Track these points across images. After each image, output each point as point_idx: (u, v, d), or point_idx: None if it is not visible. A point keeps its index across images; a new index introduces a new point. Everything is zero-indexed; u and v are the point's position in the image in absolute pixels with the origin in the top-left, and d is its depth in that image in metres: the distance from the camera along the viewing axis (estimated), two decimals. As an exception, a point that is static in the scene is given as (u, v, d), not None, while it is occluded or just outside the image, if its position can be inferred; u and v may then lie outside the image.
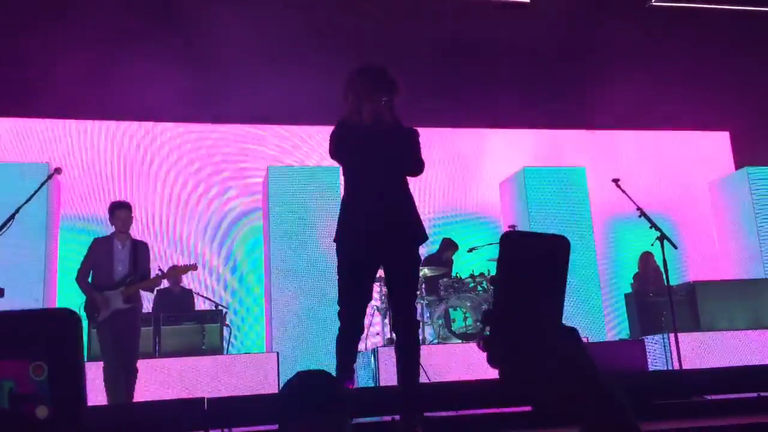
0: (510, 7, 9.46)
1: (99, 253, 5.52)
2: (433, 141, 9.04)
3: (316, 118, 8.45)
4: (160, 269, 5.80)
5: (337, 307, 3.70)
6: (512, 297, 0.84)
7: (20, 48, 8.12)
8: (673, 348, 6.02)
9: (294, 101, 8.37)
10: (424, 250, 8.14)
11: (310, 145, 9.04)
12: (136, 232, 8.13)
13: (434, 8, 9.14)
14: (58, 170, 5.62)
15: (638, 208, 5.14)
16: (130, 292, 5.43)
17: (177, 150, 8.82)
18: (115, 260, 5.49)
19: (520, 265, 0.84)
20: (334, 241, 3.71)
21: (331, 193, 7.80)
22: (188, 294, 7.68)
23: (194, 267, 5.94)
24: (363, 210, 3.65)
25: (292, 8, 8.69)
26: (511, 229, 8.27)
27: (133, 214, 5.73)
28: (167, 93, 8.07)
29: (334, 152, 3.76)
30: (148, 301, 7.68)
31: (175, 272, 6.03)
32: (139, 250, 5.60)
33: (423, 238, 3.76)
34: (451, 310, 7.69)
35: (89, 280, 5.51)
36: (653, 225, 5.07)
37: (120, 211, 5.60)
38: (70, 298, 6.75)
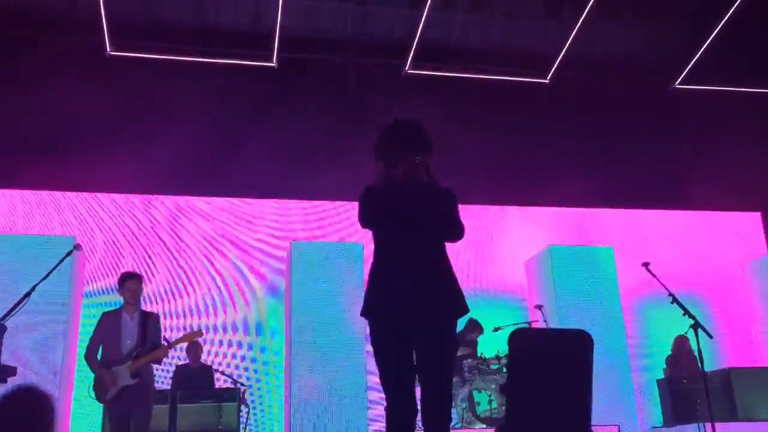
0: (527, 86, 9.55)
1: (107, 327, 5.37)
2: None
3: (340, 195, 8.52)
4: (165, 339, 5.56)
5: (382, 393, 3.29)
6: (527, 407, 0.72)
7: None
8: (711, 439, 5.72)
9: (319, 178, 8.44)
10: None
11: (334, 221, 9.03)
12: (157, 306, 8.15)
13: (456, 85, 9.26)
14: (77, 246, 5.59)
15: (670, 294, 4.97)
16: (138, 366, 5.24)
17: (202, 223, 8.85)
18: (123, 333, 5.33)
19: (535, 367, 0.73)
20: (362, 315, 3.35)
21: (353, 268, 7.72)
22: (207, 370, 7.53)
23: (199, 333, 5.75)
24: (394, 276, 3.28)
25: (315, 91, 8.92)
26: (538, 308, 8.08)
27: (143, 285, 5.61)
28: (191, 168, 8.21)
29: (364, 218, 3.38)
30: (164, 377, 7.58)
31: (180, 341, 5.75)
32: (149, 322, 5.42)
33: (462, 310, 3.34)
34: (475, 392, 7.47)
35: (99, 356, 5.35)
36: (686, 312, 4.89)
37: (129, 281, 5.46)
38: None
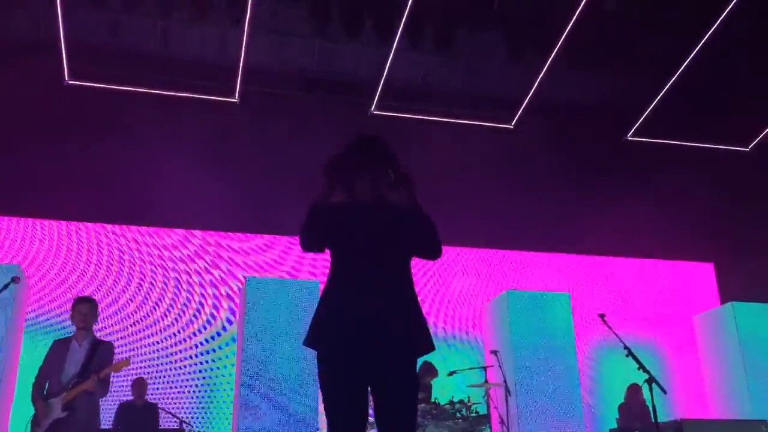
0: (494, 131, 9.66)
1: (54, 355, 5.01)
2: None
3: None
4: (94, 372, 5.00)
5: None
6: None
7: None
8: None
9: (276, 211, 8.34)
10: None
11: (291, 257, 8.91)
12: (112, 337, 7.89)
13: (418, 127, 9.30)
14: (15, 279, 5.30)
15: (626, 347, 4.96)
16: (70, 398, 4.82)
17: (159, 255, 8.65)
18: (68, 361, 4.95)
19: None
20: (305, 344, 2.87)
21: (309, 305, 7.60)
22: (152, 409, 7.27)
23: (126, 363, 5.18)
24: (354, 300, 2.81)
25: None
26: (494, 353, 8.02)
27: (98, 311, 5.25)
28: (148, 199, 8.04)
29: (306, 239, 2.89)
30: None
31: (108, 371, 5.08)
32: (99, 351, 5.00)
33: (430, 347, 2.88)
34: (428, 438, 7.34)
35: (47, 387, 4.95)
36: (641, 367, 4.88)
37: (81, 305, 5.12)
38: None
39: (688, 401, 9.24)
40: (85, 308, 5.14)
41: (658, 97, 9.45)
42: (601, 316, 5.38)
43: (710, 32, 8.62)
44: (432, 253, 2.93)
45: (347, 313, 2.80)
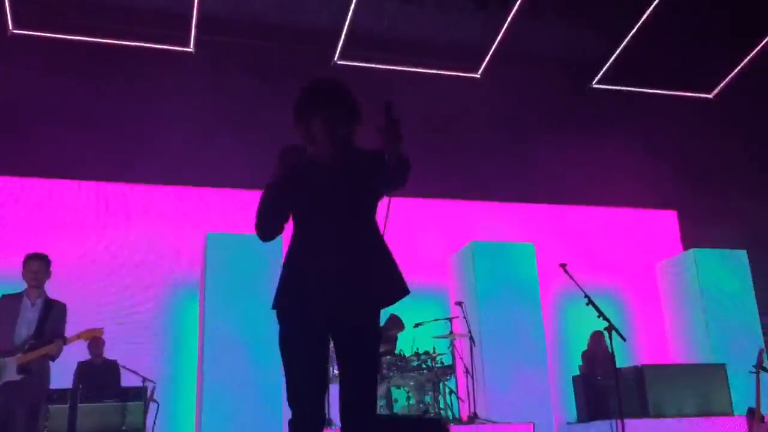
0: (458, 80, 9.51)
1: (4, 312, 4.84)
2: (379, 209, 8.84)
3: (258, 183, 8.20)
4: (61, 337, 4.94)
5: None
6: None
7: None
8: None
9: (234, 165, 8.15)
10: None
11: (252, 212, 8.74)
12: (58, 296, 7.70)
13: (383, 77, 9.10)
14: None
15: (586, 296, 4.97)
16: (27, 360, 4.69)
17: (111, 211, 8.42)
18: (20, 320, 4.80)
19: None
20: (273, 308, 2.82)
21: (274, 261, 7.47)
22: (112, 366, 7.14)
23: (99, 331, 5.19)
24: (312, 263, 2.76)
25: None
26: (459, 304, 8.03)
27: (51, 269, 5.06)
28: (100, 151, 7.79)
29: (263, 223, 2.86)
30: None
31: (78, 338, 5.11)
32: (53, 311, 4.87)
33: (394, 295, 2.82)
34: (393, 389, 7.37)
35: None
36: (601, 315, 4.89)
37: (32, 262, 4.93)
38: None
39: (650, 348, 9.39)
40: (35, 265, 4.97)
41: (623, 45, 9.36)
42: (562, 265, 5.37)
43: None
44: (397, 178, 2.74)
45: (308, 272, 2.76)
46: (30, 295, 4.94)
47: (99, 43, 8.03)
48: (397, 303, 2.87)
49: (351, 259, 2.77)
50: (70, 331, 5.10)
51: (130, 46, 7.98)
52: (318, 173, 2.85)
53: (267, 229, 2.89)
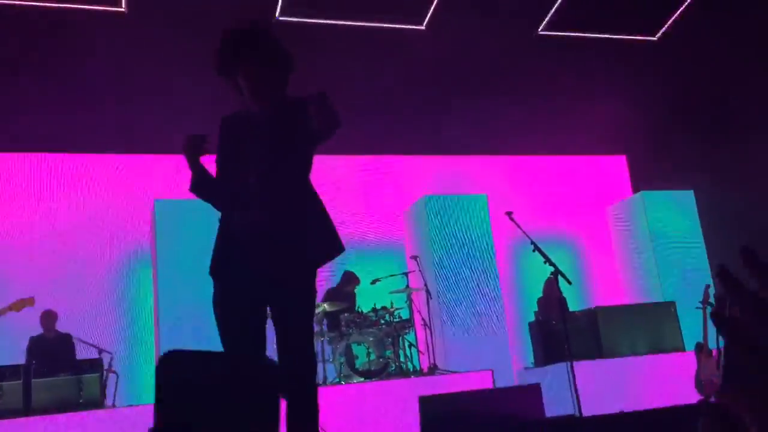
0: (403, 33, 9.36)
1: None
2: (330, 168, 8.77)
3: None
4: None
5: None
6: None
7: None
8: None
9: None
10: (324, 284, 7.84)
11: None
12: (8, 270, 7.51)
13: (326, 36, 8.92)
14: None
15: (532, 242, 5.01)
16: None
17: (55, 181, 8.19)
18: None
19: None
20: (210, 273, 2.80)
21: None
22: (66, 340, 7.03)
23: (30, 301, 5.03)
24: (240, 225, 2.69)
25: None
26: (414, 258, 8.07)
27: None
28: (40, 121, 7.51)
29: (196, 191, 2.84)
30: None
31: (7, 309, 4.99)
32: None
33: (325, 254, 2.78)
34: (354, 345, 7.41)
35: None
36: (547, 260, 4.95)
37: None
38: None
39: (603, 291, 9.60)
40: None
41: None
42: (508, 213, 5.40)
43: None
44: (329, 133, 2.62)
45: (237, 234, 2.72)
46: None
47: (28, 6, 7.67)
48: (344, 259, 2.86)
49: (280, 217, 2.71)
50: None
51: (60, 8, 7.62)
52: (245, 127, 2.79)
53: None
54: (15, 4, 7.56)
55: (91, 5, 7.59)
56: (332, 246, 2.80)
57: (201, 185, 2.81)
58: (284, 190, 2.75)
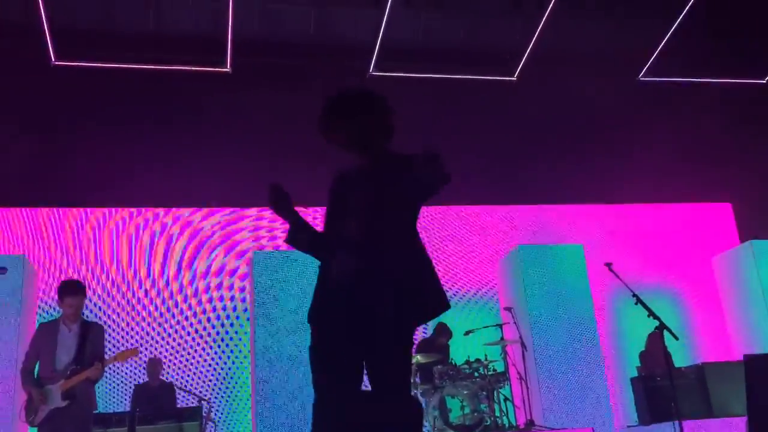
0: (497, 84, 9.39)
1: (43, 340, 4.84)
2: (426, 219, 8.82)
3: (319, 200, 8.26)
4: (99, 359, 4.92)
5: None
6: None
7: None
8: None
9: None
10: (416, 335, 7.79)
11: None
12: (113, 321, 7.87)
13: (423, 86, 9.07)
14: (2, 270, 5.19)
15: (634, 295, 4.80)
16: (70, 386, 4.68)
17: (159, 235, 8.58)
18: (59, 347, 4.79)
19: None
20: (308, 321, 2.76)
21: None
22: (168, 388, 7.26)
23: (135, 352, 5.17)
24: (342, 276, 2.66)
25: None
26: (508, 310, 7.90)
27: (85, 299, 5.10)
28: (150, 179, 7.95)
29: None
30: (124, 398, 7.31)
31: (114, 360, 5.13)
32: (90, 334, 4.84)
33: (436, 308, 2.68)
34: (447, 398, 7.27)
35: (37, 372, 4.82)
36: (651, 314, 4.73)
37: (71, 299, 4.86)
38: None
39: (711, 345, 9.08)
40: (76, 301, 4.93)
41: (669, 33, 9.08)
42: (608, 264, 5.22)
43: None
44: (429, 185, 2.57)
45: (337, 282, 2.67)
46: (66, 322, 4.95)
47: (137, 69, 8.22)
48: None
49: (382, 267, 2.65)
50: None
51: (169, 70, 8.14)
52: (352, 180, 2.82)
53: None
54: (129, 68, 8.11)
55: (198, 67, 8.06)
56: (438, 303, 2.70)
57: (297, 236, 2.84)
58: (388, 240, 2.69)
